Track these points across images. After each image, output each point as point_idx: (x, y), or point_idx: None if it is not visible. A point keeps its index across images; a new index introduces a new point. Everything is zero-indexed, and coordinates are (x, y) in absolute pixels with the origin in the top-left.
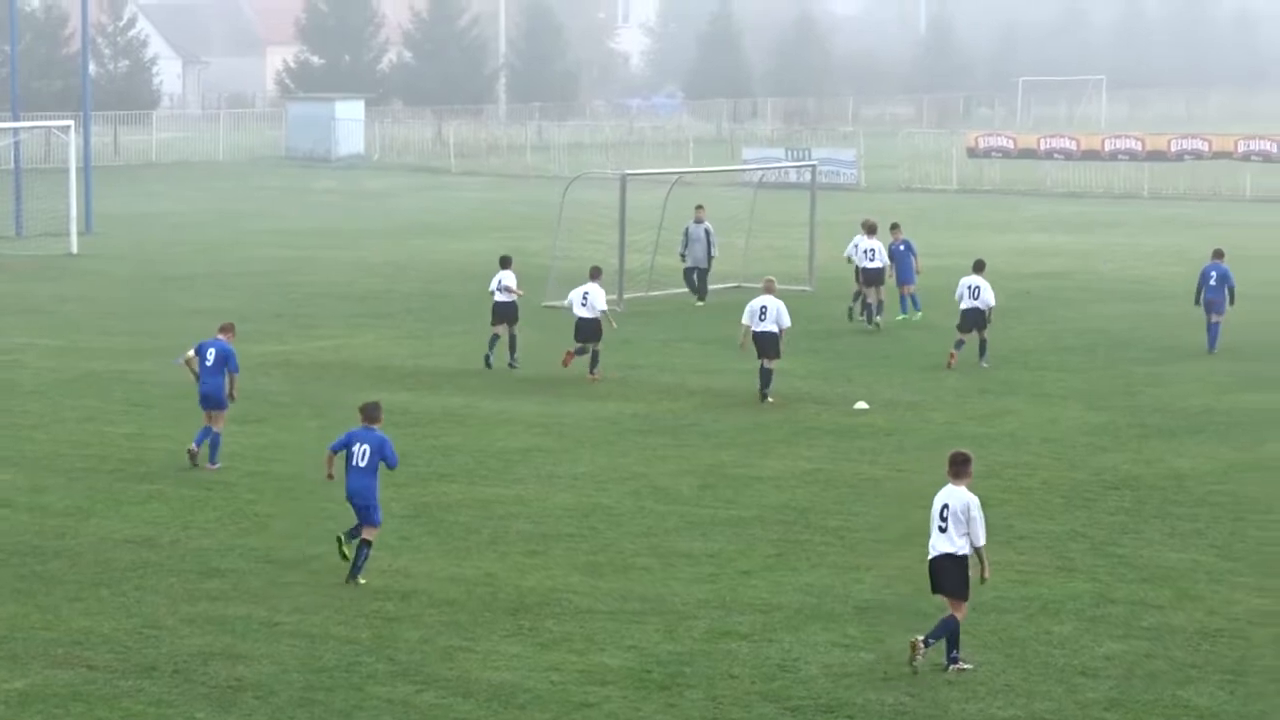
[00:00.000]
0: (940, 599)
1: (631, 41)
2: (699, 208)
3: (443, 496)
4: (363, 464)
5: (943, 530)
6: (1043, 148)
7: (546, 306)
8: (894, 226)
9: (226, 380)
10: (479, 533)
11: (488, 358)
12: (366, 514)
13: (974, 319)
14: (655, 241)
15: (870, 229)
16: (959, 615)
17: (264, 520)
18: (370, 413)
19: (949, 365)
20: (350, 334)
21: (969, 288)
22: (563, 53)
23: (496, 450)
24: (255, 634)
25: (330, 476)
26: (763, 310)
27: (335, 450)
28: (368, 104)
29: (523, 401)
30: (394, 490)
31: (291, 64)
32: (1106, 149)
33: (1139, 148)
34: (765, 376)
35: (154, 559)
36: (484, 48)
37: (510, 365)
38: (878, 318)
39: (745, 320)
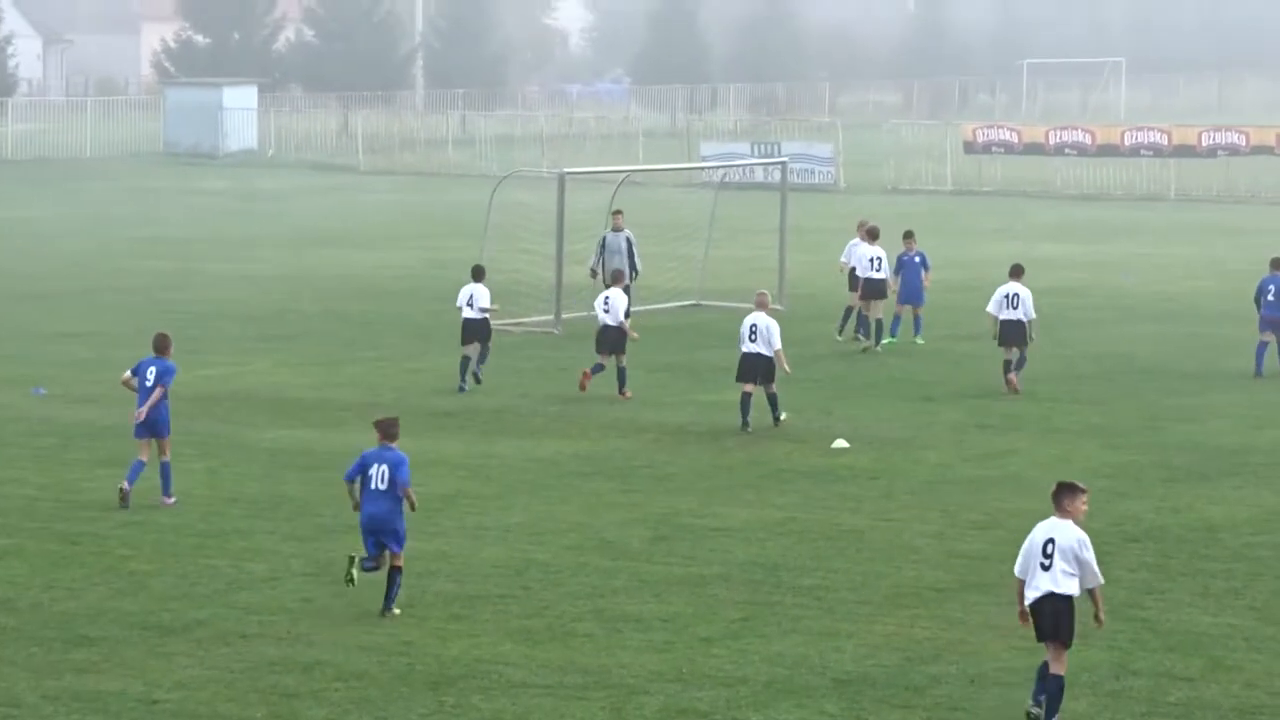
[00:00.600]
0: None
1: (571, 18)
2: (616, 213)
3: (351, 551)
4: (382, 487)
5: (1046, 569)
6: (1052, 142)
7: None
8: (907, 235)
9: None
10: None
11: (461, 386)
12: (390, 541)
13: (1015, 332)
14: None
15: (872, 235)
16: (1061, 670)
17: (141, 579)
18: (388, 430)
19: (1013, 390)
20: (241, 361)
21: (1006, 296)
22: (490, 31)
23: (415, 497)
24: (131, 712)
25: (357, 508)
26: (752, 330)
27: (352, 479)
28: (261, 90)
29: (446, 439)
30: (295, 544)
31: (171, 43)
32: (1126, 143)
33: (1164, 141)
34: (770, 401)
35: (11, 625)
36: (398, 25)
37: (475, 377)
38: (887, 340)
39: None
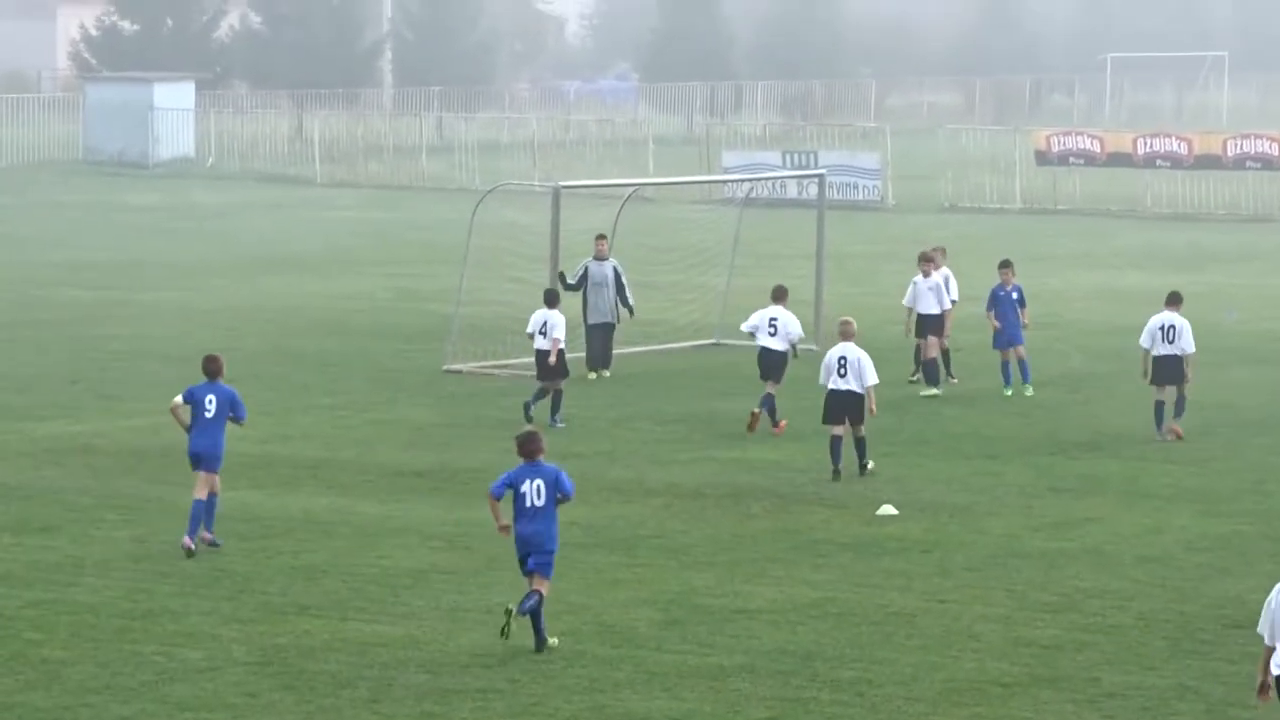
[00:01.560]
0: None
1: (568, 3)
2: (600, 238)
3: (304, 637)
4: (539, 503)
5: None
6: (1140, 152)
7: (449, 371)
8: (1004, 265)
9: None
10: (354, 687)
11: (528, 405)
12: (544, 567)
13: (1172, 370)
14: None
15: (927, 261)
16: None
17: (54, 668)
18: (532, 447)
19: (1175, 438)
20: None
21: (1163, 328)
22: (472, 19)
23: (379, 572)
24: None
25: (505, 529)
26: (841, 363)
27: (499, 495)
28: (199, 87)
29: (418, 504)
30: (237, 628)
31: (92, 30)
32: (1229, 153)
33: (1274, 152)
34: (858, 446)
35: None
36: (362, 11)
37: (552, 423)
38: (1006, 390)
39: (821, 379)
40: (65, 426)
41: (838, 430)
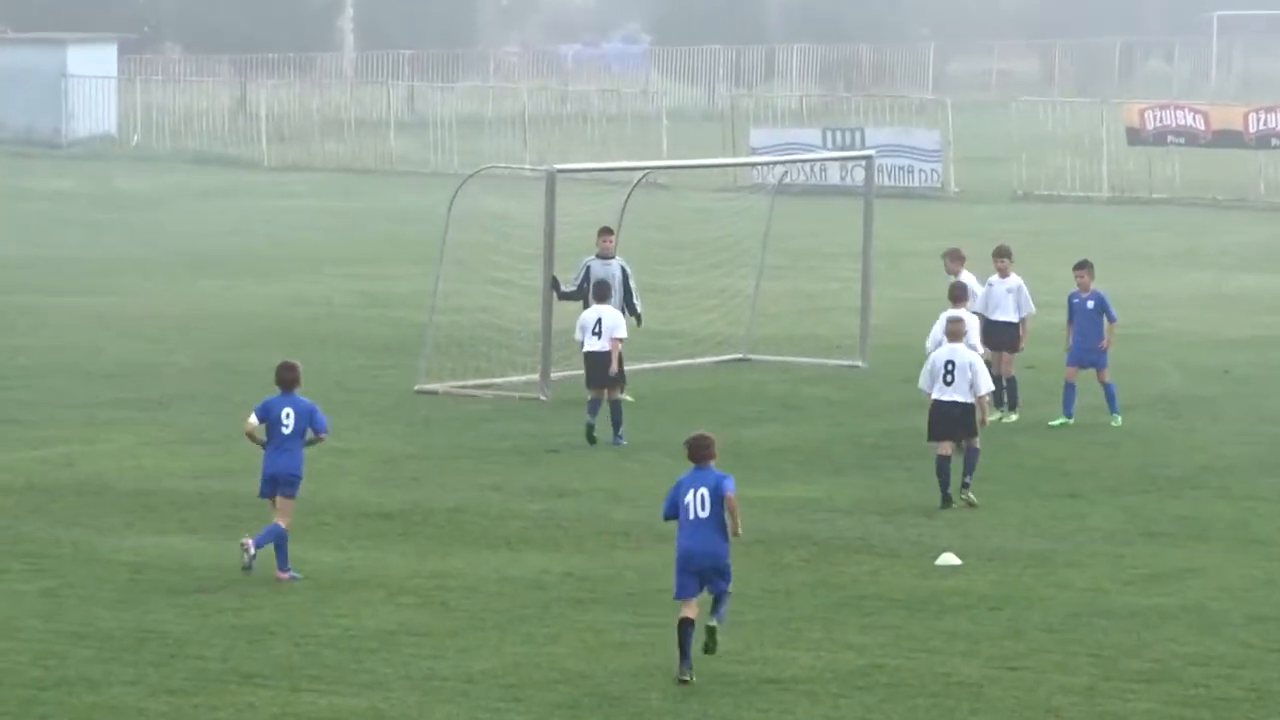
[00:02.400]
0: None
1: None
2: (605, 234)
3: (248, 712)
4: (704, 514)
5: None
6: (1253, 129)
7: (422, 391)
8: (1081, 266)
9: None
10: None
11: (589, 425)
12: (718, 579)
13: None
14: None
15: (956, 260)
16: None
17: None
18: (699, 452)
19: None
20: (93, 435)
21: None
22: None
23: (338, 633)
24: None
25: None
26: (949, 368)
27: (668, 517)
28: (123, 51)
29: (384, 551)
30: (166, 700)
31: None
32: None
33: None
34: (967, 460)
35: None
36: None
37: (615, 441)
38: (1059, 420)
39: (923, 384)
40: None
41: (945, 449)
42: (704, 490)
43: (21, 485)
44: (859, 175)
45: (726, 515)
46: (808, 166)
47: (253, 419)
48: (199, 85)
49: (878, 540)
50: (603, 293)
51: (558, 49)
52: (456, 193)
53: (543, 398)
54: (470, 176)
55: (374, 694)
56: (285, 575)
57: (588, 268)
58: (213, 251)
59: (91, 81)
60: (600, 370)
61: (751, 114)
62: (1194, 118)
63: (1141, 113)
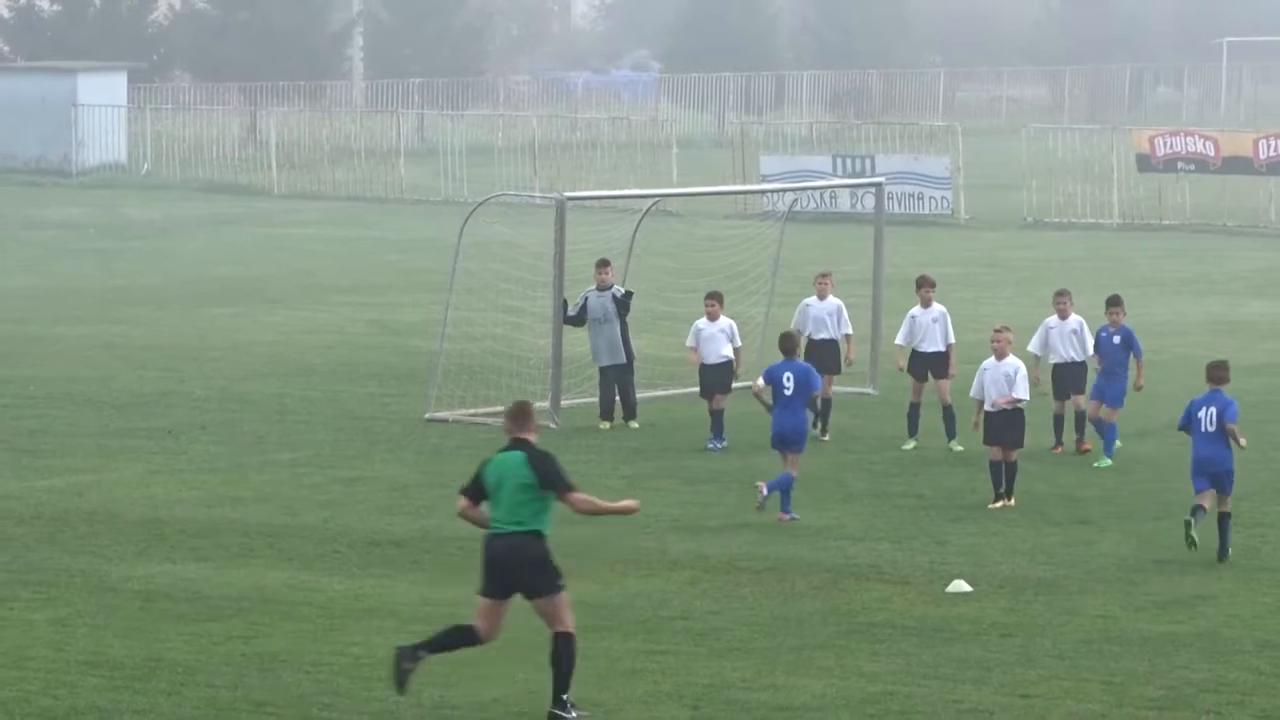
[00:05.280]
0: None
1: None
2: (602, 266)
3: None
4: (1211, 429)
5: None
6: (1264, 155)
7: (432, 420)
8: (1114, 303)
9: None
10: None
11: (713, 443)
12: (1226, 482)
13: None
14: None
15: (927, 286)
16: None
17: None
18: (1218, 373)
19: None
20: (103, 464)
21: None
22: None
23: (349, 662)
24: None
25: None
26: (1007, 379)
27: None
28: (133, 80)
29: (394, 580)
30: None
31: (3, 11)
32: None
33: None
34: (1008, 472)
35: None
36: None
37: (715, 443)
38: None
39: (975, 393)
40: None
41: (998, 453)
42: (1213, 410)
43: (31, 514)
44: (869, 202)
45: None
46: (818, 193)
47: (760, 380)
48: (209, 114)
49: (889, 567)
50: (715, 298)
51: (567, 77)
52: (466, 220)
53: (553, 425)
54: (480, 204)
55: None
56: (786, 517)
57: (585, 299)
58: (223, 280)
59: (101, 110)
60: (721, 378)
61: (761, 141)
62: (1204, 144)
63: (1151, 139)
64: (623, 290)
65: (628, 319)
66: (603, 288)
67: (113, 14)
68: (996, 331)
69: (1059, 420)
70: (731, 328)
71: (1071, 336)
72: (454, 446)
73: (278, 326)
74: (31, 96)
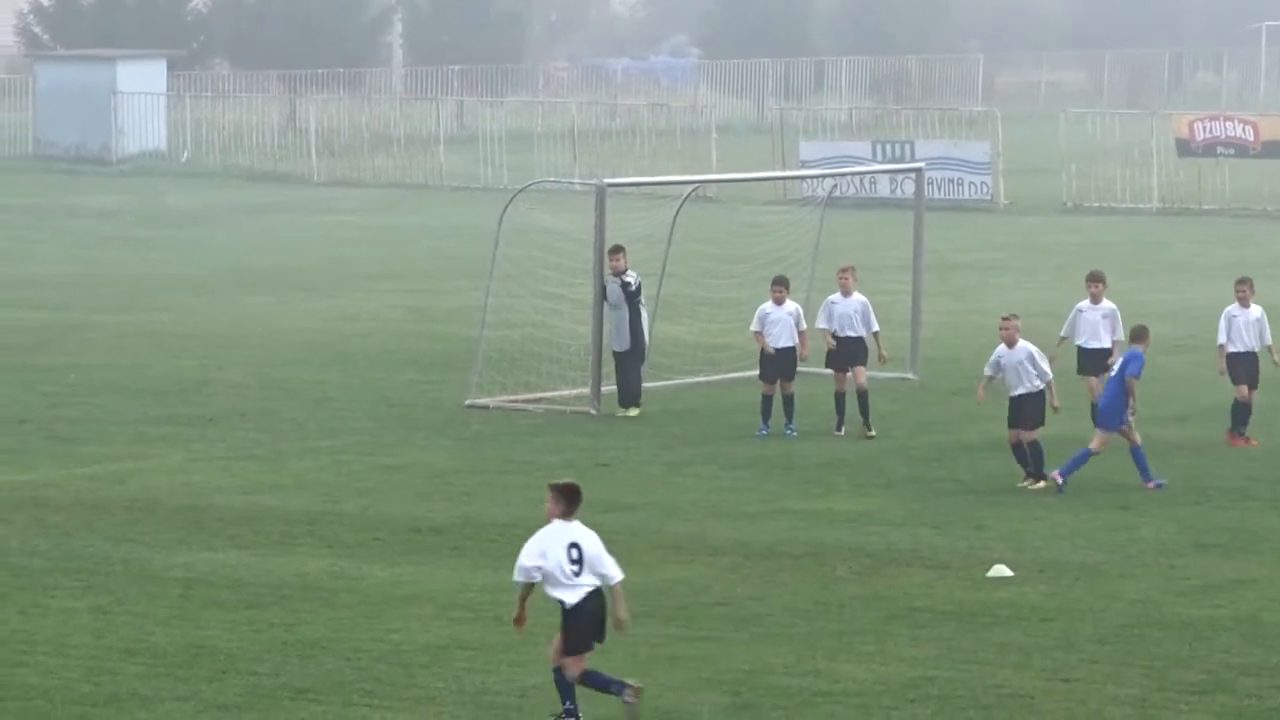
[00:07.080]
0: None
1: None
2: (615, 252)
3: None
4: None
5: None
6: None
7: (472, 406)
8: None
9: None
10: None
11: (762, 429)
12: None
13: None
14: (656, 294)
15: (1096, 280)
16: None
17: None
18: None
19: None
20: (141, 454)
21: None
22: None
23: (390, 648)
24: None
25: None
26: (1019, 366)
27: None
28: (172, 67)
29: (435, 566)
30: (219, 716)
31: (44, 0)
32: None
33: None
34: (1033, 453)
35: None
36: None
37: (787, 430)
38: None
39: (988, 371)
40: (10, 475)
41: (1014, 437)
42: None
43: (71, 502)
44: (909, 188)
45: None
46: (857, 179)
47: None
48: (248, 101)
49: (929, 552)
50: (781, 283)
51: (606, 63)
52: (506, 207)
53: (593, 411)
54: (520, 191)
55: (426, 709)
56: (1151, 485)
57: (604, 286)
58: (262, 267)
59: (141, 98)
60: (786, 363)
61: (801, 127)
62: (1243, 129)
63: (1191, 124)
64: (634, 283)
65: (640, 308)
66: (616, 274)
67: (152, 2)
68: (1005, 320)
69: (1247, 408)
70: (797, 312)
71: (1255, 325)
72: (494, 433)
73: (317, 313)
74: (71, 85)
